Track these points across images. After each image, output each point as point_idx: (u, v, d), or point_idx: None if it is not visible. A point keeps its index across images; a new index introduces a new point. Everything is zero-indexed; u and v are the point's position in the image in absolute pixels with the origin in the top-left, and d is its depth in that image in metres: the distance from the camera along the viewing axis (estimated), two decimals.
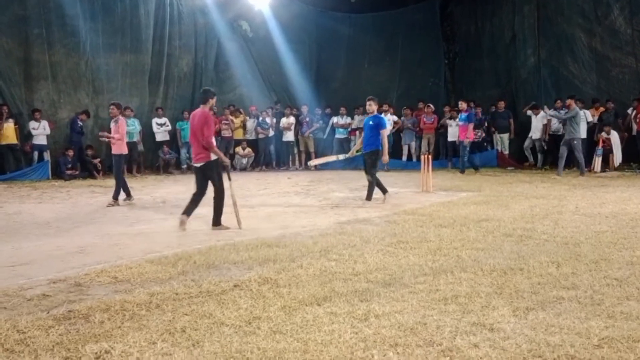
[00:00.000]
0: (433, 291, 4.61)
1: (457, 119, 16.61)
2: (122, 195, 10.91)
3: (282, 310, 4.19)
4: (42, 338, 3.67)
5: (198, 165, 8.04)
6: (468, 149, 16.08)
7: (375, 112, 10.37)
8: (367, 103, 10.32)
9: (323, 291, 4.64)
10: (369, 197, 10.10)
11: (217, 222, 8.08)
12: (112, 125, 11.12)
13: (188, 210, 7.99)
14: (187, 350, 3.48)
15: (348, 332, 3.75)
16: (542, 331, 3.71)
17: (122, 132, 10.91)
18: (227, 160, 8.36)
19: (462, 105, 16.31)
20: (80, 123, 16.25)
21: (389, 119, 18.17)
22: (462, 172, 15.86)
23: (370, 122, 10.18)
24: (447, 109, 19.30)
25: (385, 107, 18.39)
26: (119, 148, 10.92)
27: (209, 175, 8.01)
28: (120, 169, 11.03)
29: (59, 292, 4.76)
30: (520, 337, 3.62)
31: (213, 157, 7.99)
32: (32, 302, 4.49)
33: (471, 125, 15.93)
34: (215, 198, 8.05)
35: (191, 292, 4.66)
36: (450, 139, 17.79)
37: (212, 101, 8.22)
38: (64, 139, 16.45)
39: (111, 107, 11.16)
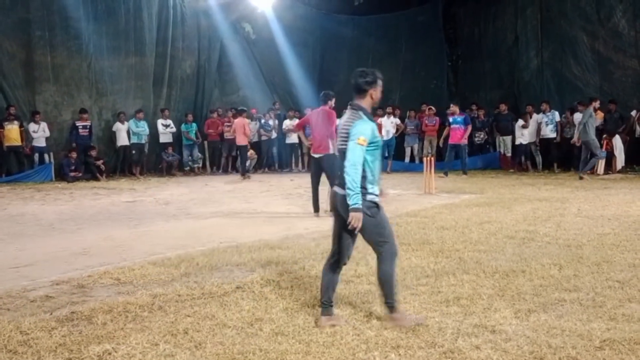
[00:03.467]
0: (435, 293, 4.62)
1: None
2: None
3: (285, 312, 4.21)
4: (45, 339, 3.68)
5: (316, 156, 9.14)
6: (467, 150, 16.16)
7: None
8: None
9: None
10: None
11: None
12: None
13: (316, 206, 9.26)
14: (190, 352, 3.50)
15: (350, 333, 3.76)
16: (543, 333, 3.72)
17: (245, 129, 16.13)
18: None
19: (454, 108, 16.27)
20: (83, 124, 16.23)
21: (392, 122, 18.19)
22: (465, 173, 15.82)
23: None
24: (449, 111, 19.26)
25: (388, 109, 18.39)
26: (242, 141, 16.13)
27: (324, 166, 8.97)
28: (245, 155, 16.52)
29: (62, 293, 4.78)
30: (522, 339, 3.62)
31: (331, 150, 8.89)
32: (35, 303, 4.51)
33: (469, 128, 16.03)
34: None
35: (194, 294, 4.68)
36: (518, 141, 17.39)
37: (331, 102, 9.29)
38: (65, 141, 16.45)
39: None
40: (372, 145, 3.95)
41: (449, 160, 16.21)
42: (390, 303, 4.01)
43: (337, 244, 4.17)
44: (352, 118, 4.02)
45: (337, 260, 4.19)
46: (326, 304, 4.08)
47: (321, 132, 9.11)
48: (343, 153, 3.98)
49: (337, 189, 4.10)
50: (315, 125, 9.24)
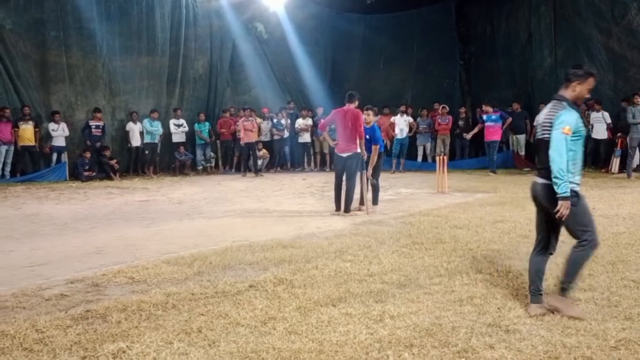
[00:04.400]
0: (448, 292, 4.60)
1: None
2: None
3: (298, 311, 4.21)
4: (61, 337, 3.71)
5: (344, 155, 9.18)
6: (497, 148, 16.75)
7: (372, 123, 9.82)
8: (365, 113, 9.69)
9: (338, 292, 4.65)
10: (374, 201, 9.87)
11: (347, 209, 9.22)
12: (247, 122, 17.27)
13: (338, 204, 9.32)
14: (203, 350, 3.51)
15: (363, 332, 3.75)
16: (558, 333, 3.70)
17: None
18: (365, 153, 9.37)
19: (487, 108, 16.53)
20: (96, 124, 16.32)
21: (406, 121, 18.16)
22: (494, 172, 16.02)
23: (367, 136, 9.53)
24: (462, 109, 19.23)
25: (402, 108, 18.35)
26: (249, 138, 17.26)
27: (349, 165, 9.13)
28: (248, 154, 17.61)
29: (76, 292, 4.81)
30: (537, 338, 3.60)
31: (358, 150, 9.15)
32: (50, 302, 4.54)
33: (508, 120, 16.73)
34: (347, 188, 9.22)
35: (207, 293, 4.69)
36: None
37: (357, 102, 9.35)
38: (78, 140, 16.53)
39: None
40: (575, 135, 4.08)
41: (490, 158, 16.66)
42: (565, 286, 4.15)
43: (540, 232, 4.38)
44: (556, 108, 4.16)
45: (542, 249, 4.37)
46: (535, 293, 4.25)
47: (348, 131, 9.14)
48: (546, 142, 4.12)
49: (537, 178, 4.28)
50: (343, 125, 9.25)
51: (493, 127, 16.40)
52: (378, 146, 9.70)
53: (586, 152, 16.25)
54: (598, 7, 17.17)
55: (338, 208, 9.32)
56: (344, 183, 9.29)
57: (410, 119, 18.56)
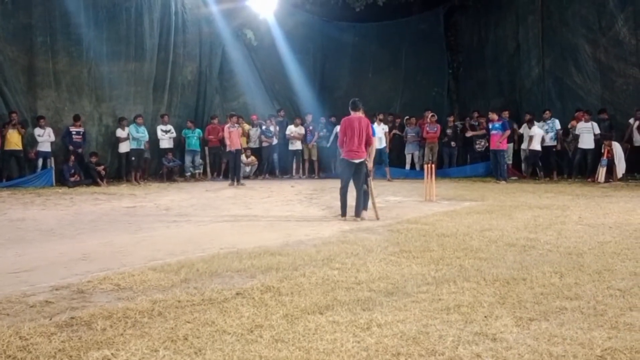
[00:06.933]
0: (435, 300, 4.60)
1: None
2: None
3: (285, 319, 4.19)
4: (45, 345, 3.66)
5: (356, 161, 9.37)
6: (505, 157, 16.68)
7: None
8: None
9: (325, 300, 4.64)
10: (364, 207, 9.84)
11: (358, 213, 9.35)
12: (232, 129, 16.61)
13: (344, 210, 9.51)
14: (189, 358, 3.48)
15: (350, 341, 3.74)
16: (544, 341, 3.70)
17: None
18: (373, 156, 9.82)
19: (493, 115, 16.63)
20: (77, 130, 16.24)
21: (382, 129, 18.09)
22: (506, 180, 16.05)
23: None
24: (450, 118, 19.31)
25: (380, 116, 18.36)
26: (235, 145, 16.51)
27: (362, 170, 9.38)
28: (236, 160, 16.59)
29: (61, 299, 4.76)
30: (523, 347, 3.60)
31: (366, 156, 9.43)
32: (34, 308, 4.49)
33: (507, 132, 16.45)
34: (358, 192, 9.41)
35: (194, 300, 4.66)
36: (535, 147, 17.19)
37: (362, 109, 9.68)
38: (62, 147, 16.44)
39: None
40: None
41: (495, 166, 16.65)
42: None
43: None
44: None
45: None
46: None
47: (361, 139, 9.34)
48: None
49: None
50: (358, 132, 9.37)
51: (496, 136, 16.30)
52: (374, 139, 10.21)
53: (573, 162, 16.46)
54: (585, 18, 17.37)
55: (344, 214, 9.40)
56: (351, 188, 9.45)
57: (386, 128, 18.43)
